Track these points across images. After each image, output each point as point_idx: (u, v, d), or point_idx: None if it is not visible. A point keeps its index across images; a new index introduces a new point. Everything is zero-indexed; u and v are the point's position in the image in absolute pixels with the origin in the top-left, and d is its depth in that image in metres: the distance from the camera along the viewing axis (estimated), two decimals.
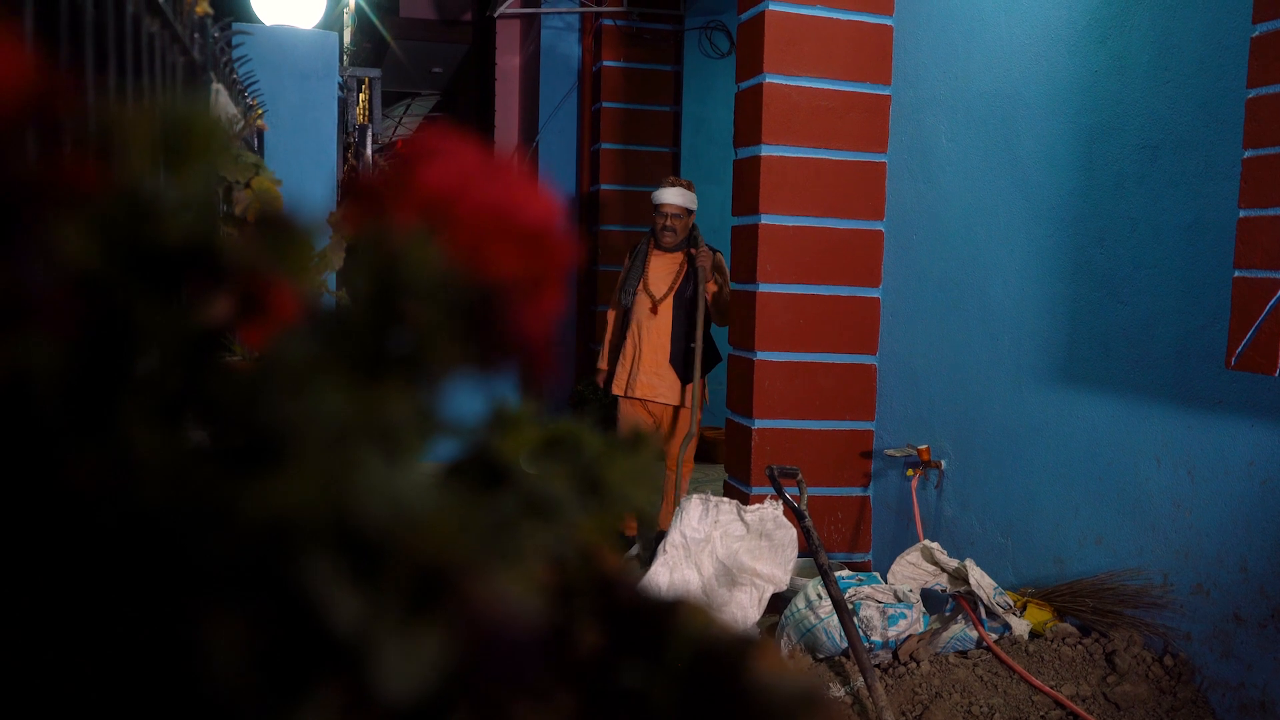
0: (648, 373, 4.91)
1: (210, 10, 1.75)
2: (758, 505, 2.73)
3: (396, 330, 0.23)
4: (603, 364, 5.24)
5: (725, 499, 2.75)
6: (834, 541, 4.50)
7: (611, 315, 5.23)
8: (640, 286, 4.99)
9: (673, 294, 4.91)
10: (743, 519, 2.72)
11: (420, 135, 0.27)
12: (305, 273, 0.23)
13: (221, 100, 1.86)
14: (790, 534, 2.75)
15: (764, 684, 0.30)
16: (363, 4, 9.08)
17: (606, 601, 0.34)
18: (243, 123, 1.89)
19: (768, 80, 4.24)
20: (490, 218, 0.26)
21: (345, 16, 9.43)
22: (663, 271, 4.97)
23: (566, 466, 0.33)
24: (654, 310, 4.93)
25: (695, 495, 2.75)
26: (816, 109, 4.30)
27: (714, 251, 4.90)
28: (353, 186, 0.26)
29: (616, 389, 5.04)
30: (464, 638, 0.24)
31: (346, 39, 9.81)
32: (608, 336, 5.23)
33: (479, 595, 0.24)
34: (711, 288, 4.88)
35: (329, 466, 0.24)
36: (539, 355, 0.28)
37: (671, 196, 4.87)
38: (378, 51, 9.45)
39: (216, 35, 2.03)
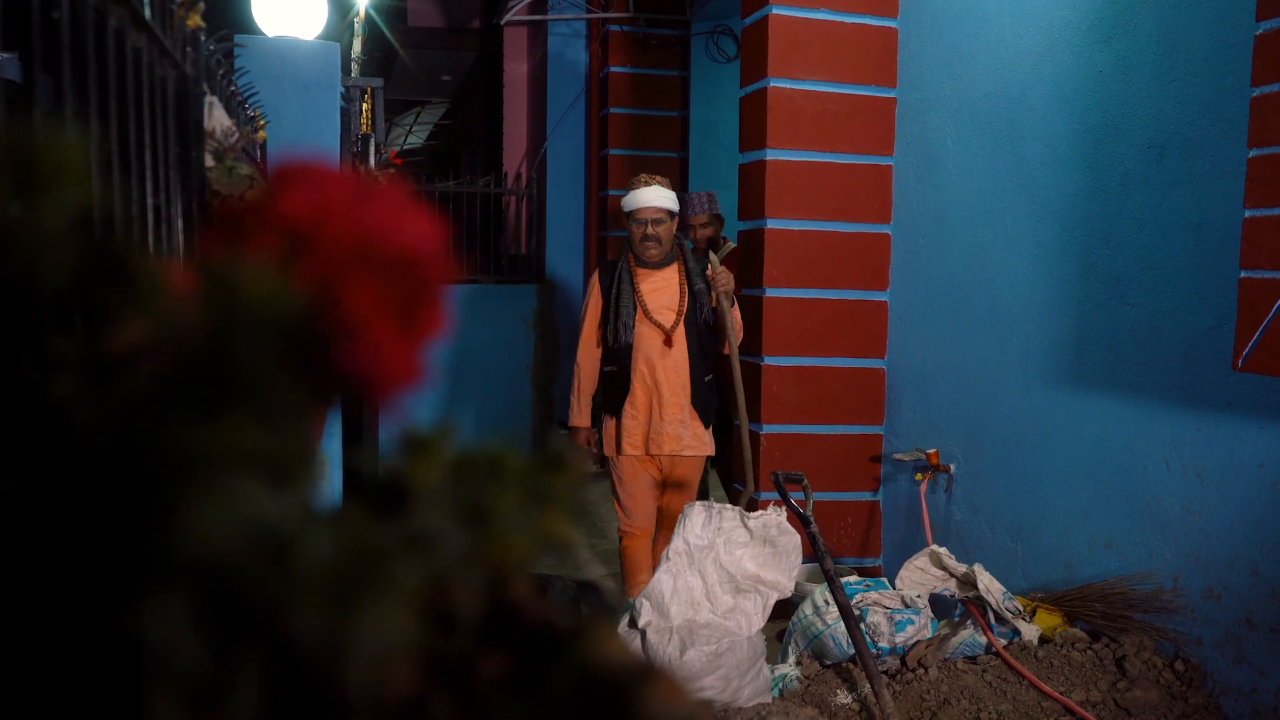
0: (671, 421, 3.97)
1: (203, 24, 1.74)
2: (761, 512, 2.72)
3: (230, 365, 0.23)
4: (579, 420, 4.17)
5: (728, 505, 2.73)
6: (844, 546, 4.48)
7: (589, 359, 4.13)
8: (639, 316, 4.02)
9: (683, 319, 3.98)
10: (746, 525, 2.70)
11: (290, 163, 0.26)
12: (149, 308, 0.22)
13: (216, 113, 1.86)
14: (794, 540, 2.74)
15: (652, 715, 0.29)
16: (372, 13, 9.10)
17: (499, 629, 0.33)
18: (237, 135, 1.89)
19: (772, 84, 4.23)
20: (354, 245, 0.25)
21: (355, 26, 9.46)
22: (661, 293, 4.02)
23: (456, 494, 0.32)
24: (668, 342, 3.98)
25: (698, 502, 2.73)
26: (822, 112, 4.29)
27: (728, 246, 4.44)
28: (215, 215, 0.25)
29: (630, 449, 4.01)
30: (281, 675, 0.23)
31: (357, 48, 9.85)
32: (579, 386, 4.15)
33: (307, 632, 0.24)
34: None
35: (176, 500, 0.23)
36: (379, 384, 0.28)
37: (650, 198, 3.92)
38: (387, 60, 9.48)
39: (213, 48, 2.03)
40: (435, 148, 12.85)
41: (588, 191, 7.41)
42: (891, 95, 4.35)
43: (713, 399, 4.07)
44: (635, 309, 3.99)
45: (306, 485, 0.30)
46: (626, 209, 3.99)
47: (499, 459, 0.40)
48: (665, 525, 4.07)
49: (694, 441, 4.00)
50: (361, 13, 9.05)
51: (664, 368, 3.97)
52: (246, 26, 3.32)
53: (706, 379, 4.01)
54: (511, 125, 7.93)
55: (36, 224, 0.22)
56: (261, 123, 2.95)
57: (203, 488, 0.22)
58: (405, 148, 12.79)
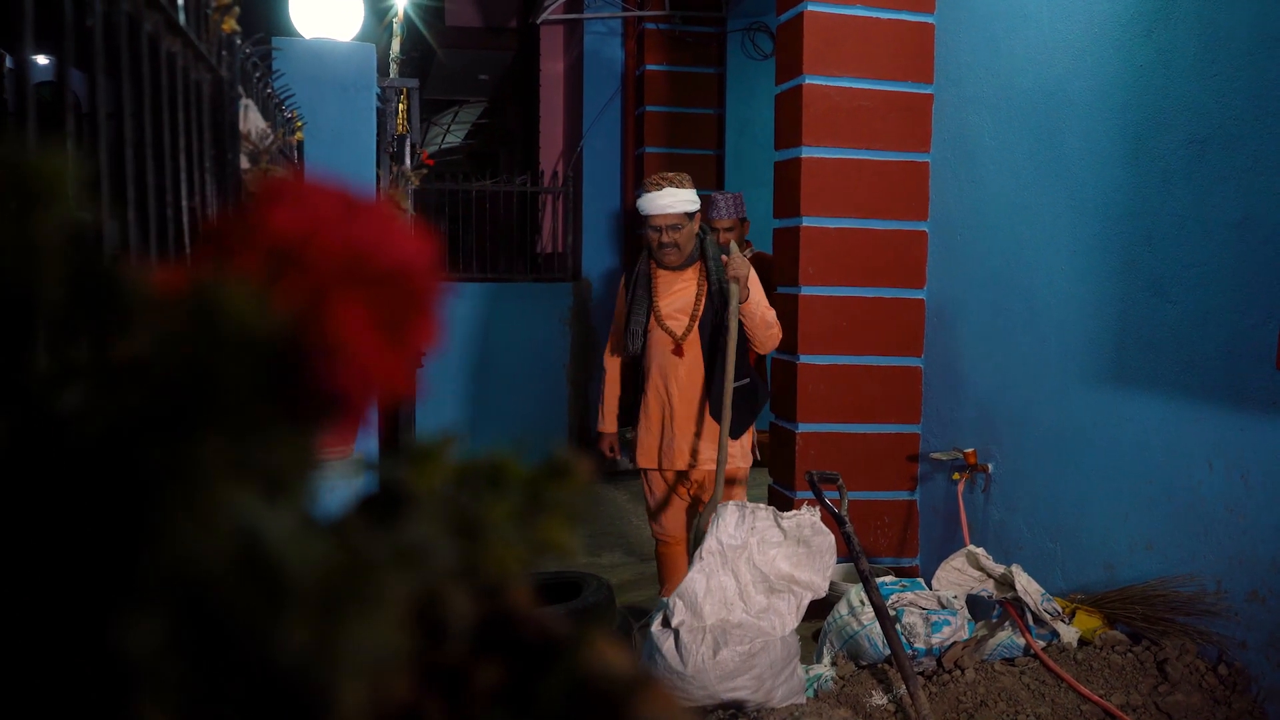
0: (685, 434, 3.77)
1: (238, 28, 1.76)
2: (795, 511, 2.71)
3: (210, 380, 0.23)
4: (604, 425, 4.06)
5: (761, 505, 2.72)
6: (880, 546, 4.45)
7: (612, 365, 4.03)
8: (652, 322, 3.80)
9: (697, 324, 3.73)
10: (780, 525, 2.69)
11: (279, 178, 0.26)
12: (135, 325, 0.22)
13: (251, 116, 1.88)
14: (828, 540, 2.72)
15: (608, 677, 0.29)
16: (410, 13, 9.16)
17: (494, 638, 0.33)
18: (272, 137, 1.91)
19: (807, 81, 4.21)
20: (342, 260, 0.25)
21: (395, 26, 9.52)
22: (678, 297, 3.79)
23: (451, 504, 0.32)
24: (678, 351, 3.76)
25: (732, 502, 2.73)
26: (858, 109, 4.26)
27: (750, 251, 3.92)
28: (203, 232, 0.25)
29: (645, 461, 3.87)
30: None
31: (396, 48, 9.91)
32: (604, 390, 4.07)
33: (292, 645, 0.24)
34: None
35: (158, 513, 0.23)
36: (368, 398, 0.28)
37: (663, 204, 3.64)
38: (425, 60, 9.54)
39: (249, 51, 2.06)
40: (473, 147, 12.91)
41: (623, 190, 7.41)
42: (928, 91, 4.32)
43: (746, 406, 3.77)
44: (648, 316, 3.79)
45: (300, 497, 0.31)
46: (641, 213, 3.73)
47: (500, 467, 0.40)
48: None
49: (711, 455, 3.70)
50: (400, 13, 9.12)
51: (676, 377, 3.76)
52: (284, 29, 3.35)
53: (736, 384, 3.65)
54: (548, 124, 7.96)
55: (27, 239, 0.23)
56: (299, 124, 2.98)
57: (186, 501, 0.22)
58: (443, 147, 12.86)
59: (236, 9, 1.74)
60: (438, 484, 0.37)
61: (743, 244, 4.93)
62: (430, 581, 0.29)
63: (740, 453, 3.82)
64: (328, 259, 0.26)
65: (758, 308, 3.66)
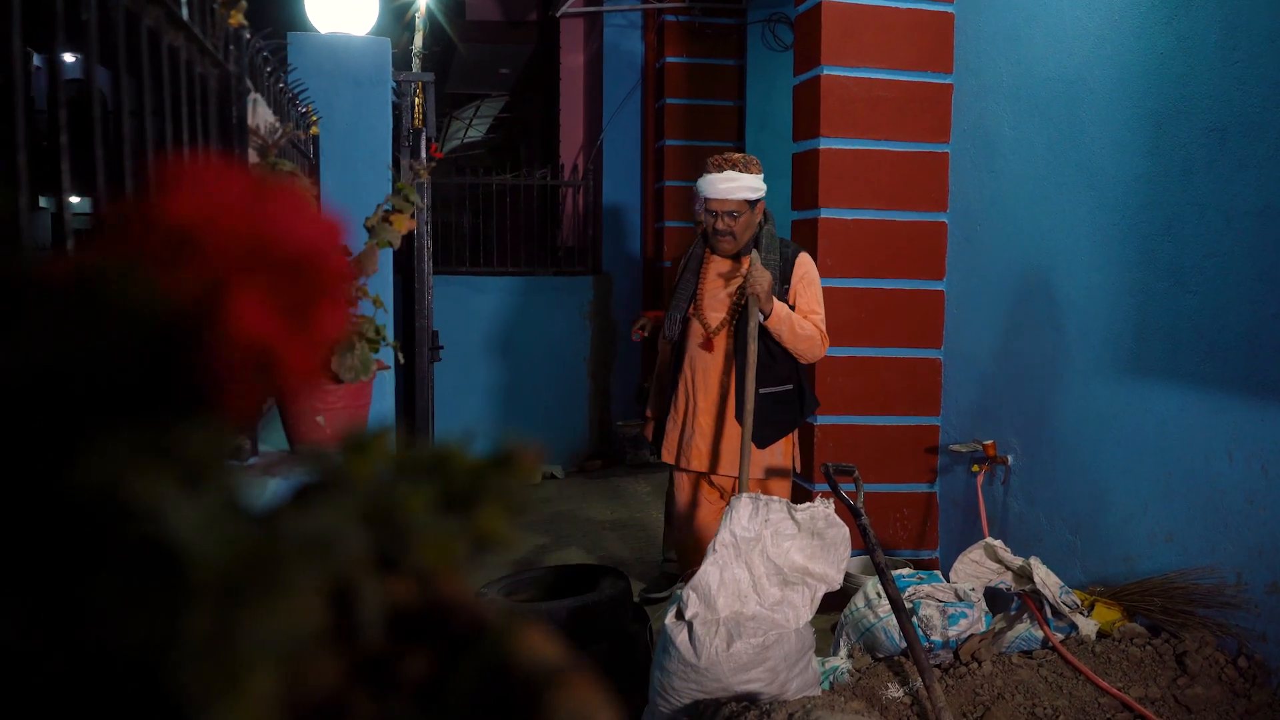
0: (704, 434, 3.55)
1: (245, 23, 1.77)
2: (809, 504, 2.70)
3: (91, 369, 0.23)
4: (650, 410, 3.90)
5: (775, 498, 2.72)
6: (900, 539, 4.44)
7: (662, 348, 3.83)
8: (691, 310, 3.57)
9: (732, 320, 3.52)
10: (793, 518, 2.68)
11: (182, 165, 0.26)
12: (30, 315, 0.22)
13: (260, 110, 1.89)
14: (843, 532, 2.71)
15: (557, 713, 0.29)
16: (432, 8, 9.19)
17: (419, 629, 0.33)
18: (280, 131, 1.92)
19: (825, 72, 4.19)
20: (243, 246, 0.25)
21: (416, 20, 9.55)
22: (723, 286, 3.56)
23: (375, 493, 0.32)
24: (708, 345, 3.52)
25: (745, 494, 2.72)
26: (876, 100, 4.23)
27: (785, 251, 3.51)
28: (104, 218, 0.25)
29: (667, 456, 3.67)
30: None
31: (418, 43, 9.94)
32: (656, 373, 3.89)
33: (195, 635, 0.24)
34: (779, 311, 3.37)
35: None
36: (272, 385, 0.28)
37: (724, 189, 3.39)
38: (446, 55, 9.56)
39: (260, 45, 2.07)
40: (495, 141, 12.93)
41: (644, 183, 7.41)
42: (948, 81, 4.28)
43: (776, 415, 3.50)
44: (690, 301, 3.56)
45: (220, 485, 0.31)
46: (700, 196, 3.48)
47: (443, 457, 0.41)
48: None
49: (734, 461, 3.46)
50: (422, 8, 9.15)
51: (704, 371, 3.53)
52: (300, 24, 3.36)
53: (764, 391, 3.41)
54: (568, 117, 7.96)
55: None
56: (314, 118, 2.99)
57: (81, 490, 0.22)
58: (465, 141, 12.89)
59: (244, 4, 1.75)
60: (372, 473, 0.37)
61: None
62: (342, 571, 0.29)
63: (764, 463, 3.53)
64: (227, 244, 0.26)
65: (784, 324, 3.35)
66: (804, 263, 3.53)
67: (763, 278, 3.26)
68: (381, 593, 0.30)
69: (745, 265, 3.49)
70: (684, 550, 3.75)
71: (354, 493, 0.32)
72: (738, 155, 3.43)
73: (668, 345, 3.74)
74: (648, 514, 5.75)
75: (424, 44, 9.84)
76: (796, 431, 3.68)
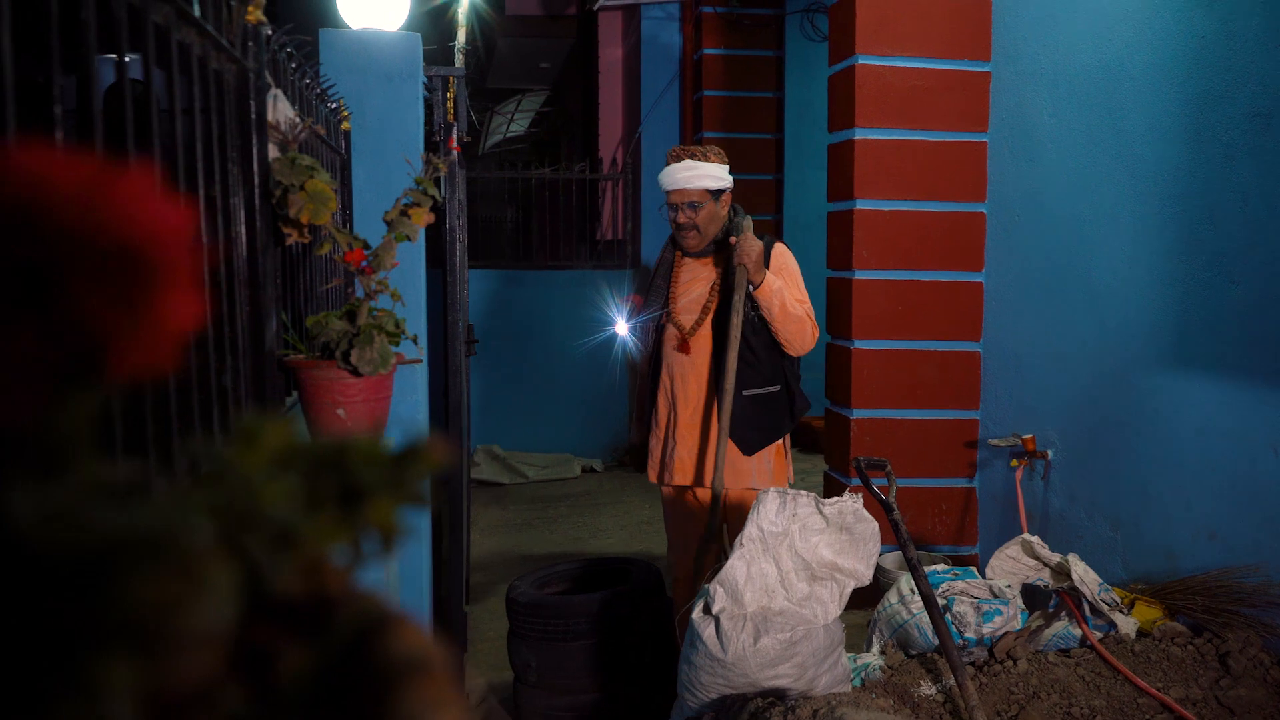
0: (687, 444, 3.28)
1: (264, 19, 1.78)
2: (837, 499, 2.66)
3: None
4: (633, 434, 3.60)
5: (803, 491, 2.69)
6: (938, 534, 4.38)
7: (643, 363, 3.55)
8: (664, 316, 3.34)
9: (710, 318, 3.24)
10: (822, 512, 2.65)
11: (14, 150, 0.25)
12: None
13: (280, 106, 1.90)
14: (872, 527, 2.68)
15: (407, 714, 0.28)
16: (476, 5, 9.22)
17: (297, 619, 0.32)
18: (300, 126, 1.92)
19: (860, 61, 4.14)
20: (77, 234, 0.24)
21: (459, 16, 9.60)
22: (694, 287, 3.31)
23: (213, 490, 0.31)
24: (683, 348, 3.27)
25: (772, 489, 2.69)
26: (912, 89, 4.18)
27: (762, 238, 3.26)
28: None
29: (651, 474, 3.40)
30: None
31: (461, 38, 9.98)
32: (636, 393, 3.60)
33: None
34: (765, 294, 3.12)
35: None
36: (109, 370, 0.27)
37: (682, 178, 3.18)
38: (487, 50, 9.59)
39: (283, 41, 2.07)
40: (536, 135, 12.96)
41: None
42: (985, 69, 4.22)
43: (761, 419, 3.25)
44: (663, 307, 3.33)
45: (76, 475, 0.30)
46: (662, 189, 3.29)
47: (342, 450, 0.39)
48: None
49: (724, 471, 3.19)
50: (465, 4, 9.20)
51: (682, 378, 3.28)
52: (333, 20, 3.38)
53: (747, 393, 3.20)
54: (607, 111, 7.95)
55: None
56: (345, 113, 3.01)
57: None
58: (507, 135, 12.93)
59: (262, 0, 1.76)
60: (263, 464, 0.36)
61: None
62: (183, 561, 0.28)
63: (757, 472, 3.27)
64: (61, 231, 0.25)
65: (775, 296, 3.11)
66: (781, 252, 3.28)
67: (753, 246, 3.07)
68: (233, 584, 0.29)
69: (711, 262, 3.31)
70: (681, 576, 3.43)
71: (222, 484, 0.31)
72: (698, 146, 3.23)
73: (645, 363, 3.49)
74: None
75: (466, 39, 9.89)
76: (788, 439, 3.38)
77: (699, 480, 3.27)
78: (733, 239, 3.12)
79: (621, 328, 3.98)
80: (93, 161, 0.26)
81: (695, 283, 3.30)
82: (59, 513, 0.28)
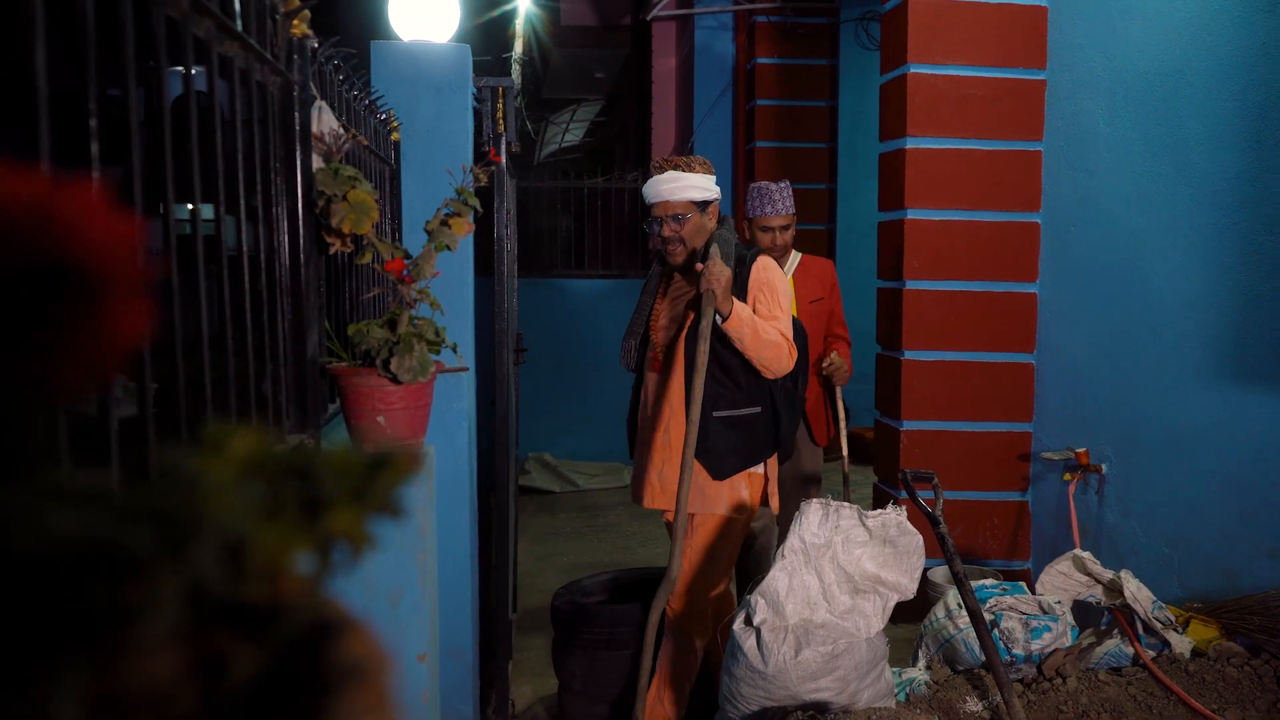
0: (657, 466, 3.11)
1: (309, 31, 1.81)
2: (880, 511, 2.64)
3: None
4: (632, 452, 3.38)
5: (845, 504, 2.66)
6: (990, 548, 4.32)
7: (636, 386, 3.34)
8: (646, 334, 3.19)
9: (684, 335, 3.06)
10: (864, 524, 2.63)
11: None
12: None
13: (324, 117, 1.93)
14: (916, 540, 2.64)
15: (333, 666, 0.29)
16: (532, 16, 9.31)
17: (249, 625, 0.33)
18: (344, 137, 1.95)
19: (912, 70, 4.11)
20: (30, 246, 0.25)
21: (517, 27, 9.70)
22: (678, 304, 3.13)
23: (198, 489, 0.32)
24: (656, 368, 3.13)
25: (815, 500, 2.67)
26: (965, 98, 4.13)
27: (748, 253, 3.10)
28: None
29: (634, 498, 3.25)
30: None
31: (518, 49, 10.08)
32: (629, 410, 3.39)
33: None
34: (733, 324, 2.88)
35: None
36: (57, 384, 0.27)
37: (663, 189, 3.01)
38: (542, 60, 9.67)
39: (329, 53, 2.11)
40: (591, 145, 13.03)
41: (734, 186, 7.37)
42: (1040, 77, 4.16)
43: (735, 442, 3.00)
44: (645, 325, 3.19)
45: (33, 474, 0.31)
46: (645, 202, 3.11)
47: (312, 458, 0.40)
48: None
49: (696, 495, 3.00)
50: (521, 15, 9.29)
51: (656, 398, 3.12)
52: (384, 32, 3.43)
53: (719, 415, 2.98)
54: (660, 120, 7.97)
55: None
56: (395, 124, 3.05)
57: None
58: (563, 145, 13.02)
59: (306, 13, 1.79)
60: (228, 472, 0.37)
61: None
62: (131, 565, 0.28)
63: (728, 499, 3.02)
64: (12, 244, 0.26)
65: (745, 326, 2.88)
66: (764, 267, 3.06)
67: (721, 273, 2.83)
68: (179, 589, 0.29)
69: (693, 276, 3.07)
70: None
71: (172, 491, 0.32)
72: (682, 157, 3.06)
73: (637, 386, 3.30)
74: None
75: (522, 51, 9.99)
76: (770, 465, 3.12)
77: (667, 503, 3.08)
78: (698, 266, 2.89)
79: None
80: (38, 177, 0.27)
81: (680, 300, 3.12)
82: (6, 519, 0.28)
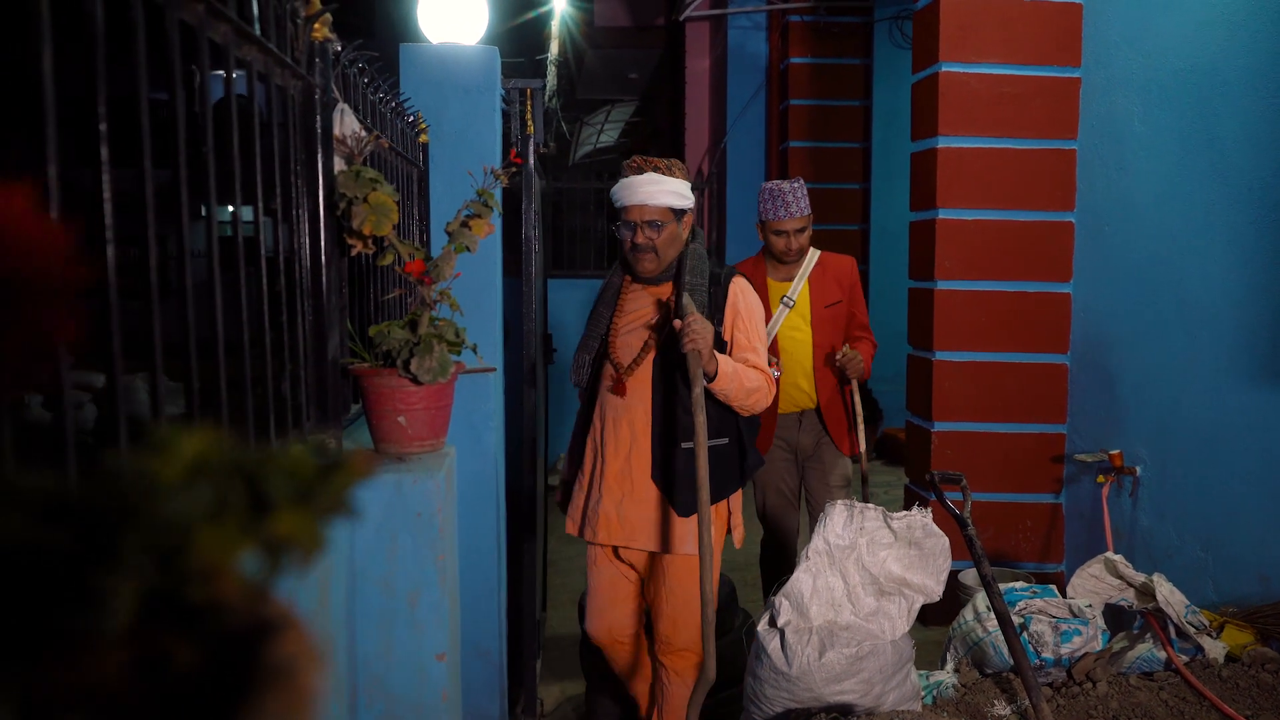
0: (613, 497, 2.83)
1: (331, 35, 1.83)
2: (905, 513, 2.62)
3: None
4: (564, 470, 3.11)
5: (870, 505, 2.65)
6: (1023, 551, 4.28)
7: (582, 396, 3.06)
8: (601, 349, 2.91)
9: (651, 357, 2.81)
10: (889, 526, 2.61)
11: None
12: None
13: (347, 120, 1.95)
14: (942, 542, 2.62)
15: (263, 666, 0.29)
16: (567, 17, 9.33)
17: (190, 624, 0.33)
18: (366, 139, 1.97)
19: (944, 69, 4.08)
20: None
21: (552, 28, 9.73)
22: (638, 319, 2.86)
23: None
24: (618, 389, 2.83)
25: (840, 501, 2.66)
26: (998, 96, 4.09)
27: (722, 270, 2.91)
28: None
29: (570, 526, 2.97)
30: None
31: (553, 51, 10.11)
32: (575, 426, 3.07)
33: None
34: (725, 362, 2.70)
35: None
36: None
37: (646, 192, 2.76)
38: (576, 61, 9.69)
39: (352, 56, 2.13)
40: (626, 145, 13.05)
41: None
42: (1075, 75, 4.11)
43: (714, 473, 2.73)
44: (602, 338, 2.91)
45: None
46: (615, 205, 2.87)
47: (263, 461, 0.41)
48: (657, 639, 2.89)
49: (648, 532, 2.79)
50: (556, 17, 9.31)
51: (614, 422, 2.83)
52: (413, 35, 3.45)
53: (689, 445, 2.72)
54: (693, 121, 7.97)
55: None
56: (423, 126, 3.07)
57: None
58: (598, 146, 13.04)
59: (328, 16, 1.81)
60: (176, 472, 0.38)
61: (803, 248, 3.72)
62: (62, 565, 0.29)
63: (694, 536, 2.76)
64: None
65: (731, 383, 2.69)
66: (739, 289, 2.85)
67: (704, 330, 2.59)
68: (112, 588, 0.30)
69: (663, 289, 2.86)
70: (606, 644, 3.00)
71: (108, 492, 0.33)
72: (662, 159, 2.84)
73: (582, 395, 3.05)
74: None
75: (558, 52, 10.02)
76: (737, 498, 2.93)
77: (626, 539, 2.82)
78: (676, 323, 2.63)
79: None
80: None
81: (641, 314, 2.86)
82: None
